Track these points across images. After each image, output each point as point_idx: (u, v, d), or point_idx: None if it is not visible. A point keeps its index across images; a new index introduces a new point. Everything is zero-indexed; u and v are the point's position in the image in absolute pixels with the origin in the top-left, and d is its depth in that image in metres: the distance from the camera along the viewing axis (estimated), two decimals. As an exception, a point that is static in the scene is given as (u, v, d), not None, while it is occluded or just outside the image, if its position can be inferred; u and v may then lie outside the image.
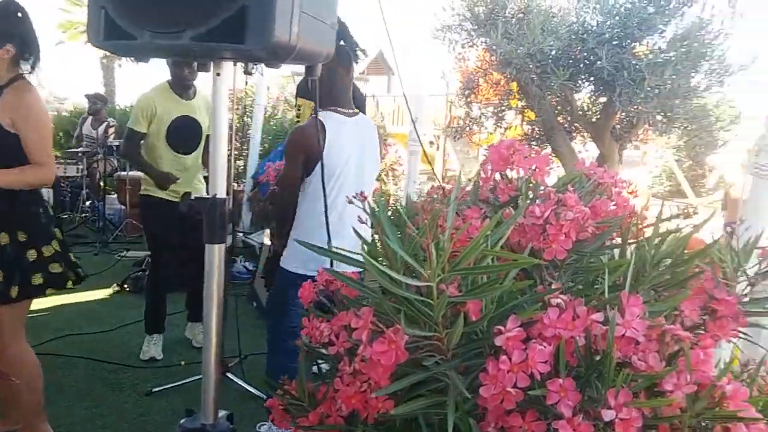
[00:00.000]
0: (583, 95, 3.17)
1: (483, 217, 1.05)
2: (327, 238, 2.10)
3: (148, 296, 3.80)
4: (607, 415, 0.75)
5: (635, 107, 2.52)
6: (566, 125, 3.21)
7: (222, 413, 1.49)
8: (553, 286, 0.95)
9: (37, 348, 2.61)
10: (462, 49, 3.13)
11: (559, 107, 3.22)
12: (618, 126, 3.02)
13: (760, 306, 1.00)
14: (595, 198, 1.17)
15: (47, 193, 7.85)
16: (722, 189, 5.16)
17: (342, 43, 2.41)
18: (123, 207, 7.34)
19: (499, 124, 3.52)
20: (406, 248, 0.89)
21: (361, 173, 2.50)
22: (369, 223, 0.97)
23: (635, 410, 0.74)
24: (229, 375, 3.36)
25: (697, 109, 2.68)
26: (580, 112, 3.18)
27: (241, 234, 6.26)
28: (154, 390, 3.27)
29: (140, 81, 3.61)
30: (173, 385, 3.31)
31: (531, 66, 2.70)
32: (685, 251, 1.04)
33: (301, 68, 1.36)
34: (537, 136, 3.38)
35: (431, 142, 11.60)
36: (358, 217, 0.87)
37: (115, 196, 7.80)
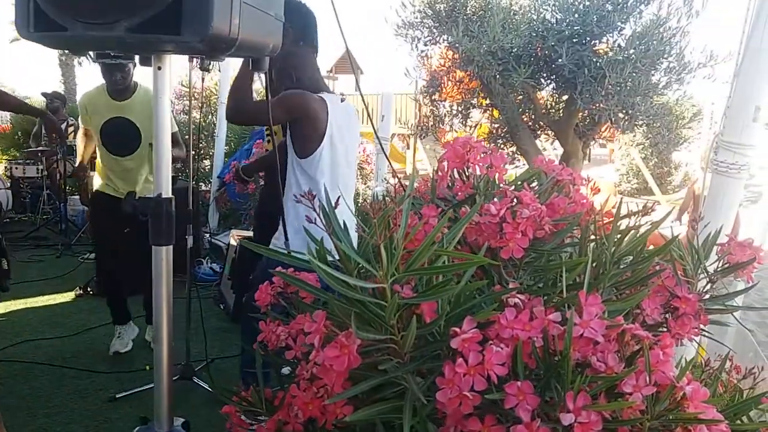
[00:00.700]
0: (546, 93, 3.18)
1: (440, 216, 1.03)
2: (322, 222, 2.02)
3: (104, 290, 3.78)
4: (566, 419, 0.73)
5: (597, 105, 2.53)
6: (530, 123, 3.22)
7: (178, 421, 1.43)
8: (510, 286, 0.93)
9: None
10: (425, 47, 3.11)
11: (522, 105, 3.23)
12: (581, 124, 3.04)
13: (720, 303, 1.00)
14: (553, 195, 1.15)
15: (5, 195, 7.63)
16: (687, 186, 5.28)
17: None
18: (85, 208, 7.14)
19: (464, 123, 3.51)
20: (359, 249, 0.86)
21: (351, 160, 2.40)
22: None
23: (594, 413, 0.72)
24: (196, 379, 3.28)
25: (659, 107, 2.71)
26: (543, 110, 3.19)
27: (207, 235, 6.15)
28: (118, 396, 3.17)
29: (101, 79, 3.50)
30: (138, 390, 3.22)
31: (493, 63, 2.69)
32: (646, 249, 1.03)
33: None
34: (502, 135, 3.38)
35: (396, 136, 11.58)
36: (306, 216, 0.83)
37: (78, 197, 7.59)
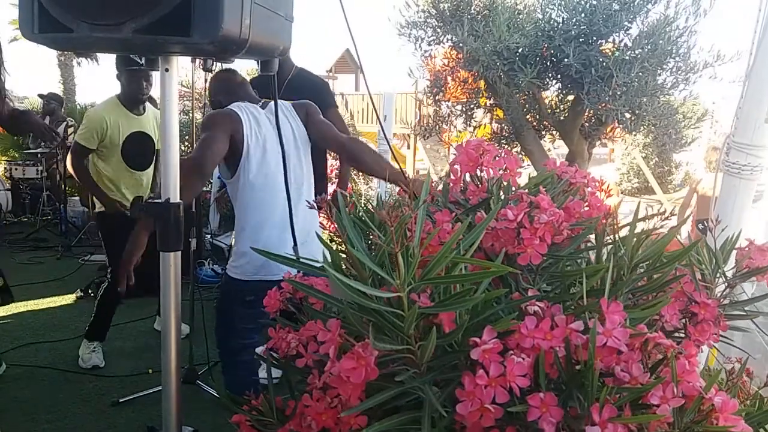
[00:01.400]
0: (551, 93, 3.16)
1: (454, 221, 1.00)
2: (286, 238, 1.99)
3: (102, 306, 3.63)
4: None
5: (603, 105, 2.51)
6: (535, 124, 3.20)
7: (186, 430, 1.41)
8: (530, 293, 0.91)
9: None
10: (428, 47, 3.09)
11: (527, 105, 3.20)
12: (587, 124, 3.02)
13: (740, 309, 0.97)
14: (568, 199, 1.13)
15: (5, 196, 7.60)
16: (688, 186, 5.26)
17: None
18: (86, 209, 7.11)
19: (468, 123, 3.49)
20: (373, 256, 0.84)
21: (296, 163, 2.24)
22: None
23: (621, 426, 0.70)
24: (200, 383, 3.26)
25: (665, 107, 2.69)
26: (549, 111, 3.17)
27: (208, 236, 6.12)
28: (121, 400, 3.15)
29: (101, 79, 3.48)
30: (141, 394, 3.19)
31: (498, 63, 2.67)
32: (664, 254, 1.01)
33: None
34: (506, 135, 3.36)
35: (400, 136, 11.57)
36: (321, 223, 0.81)
37: (78, 198, 7.55)
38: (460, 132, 3.86)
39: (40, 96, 8.02)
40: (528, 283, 0.98)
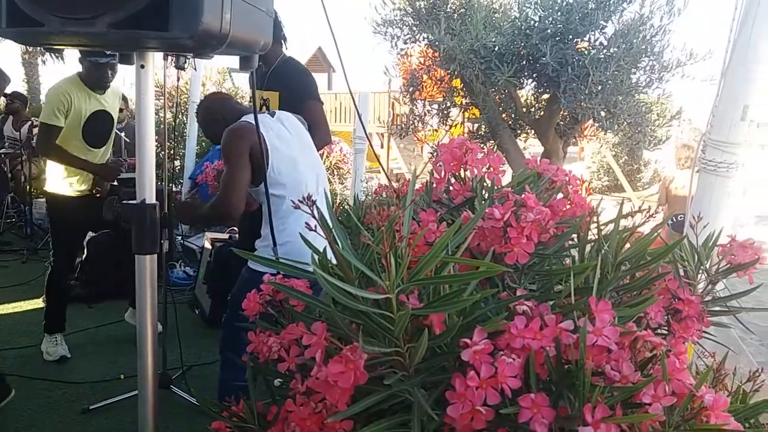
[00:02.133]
0: (526, 92, 3.18)
1: (438, 220, 0.99)
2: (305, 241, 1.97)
3: (50, 293, 3.58)
4: (585, 432, 0.70)
5: (580, 103, 2.53)
6: (510, 122, 3.21)
7: (162, 438, 1.37)
8: (518, 293, 0.90)
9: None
10: (404, 45, 3.08)
11: (503, 104, 3.21)
12: (562, 123, 3.04)
13: (722, 305, 0.98)
14: (552, 197, 1.12)
15: (-33, 198, 7.35)
16: (658, 183, 5.36)
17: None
18: (52, 212, 6.91)
19: (444, 122, 3.49)
20: (361, 257, 0.82)
21: (312, 169, 2.35)
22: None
23: (614, 426, 0.69)
24: (174, 388, 3.19)
25: (640, 105, 2.73)
26: (525, 109, 3.19)
27: (179, 237, 6.01)
28: (92, 407, 3.05)
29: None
30: (112, 400, 3.11)
31: (475, 62, 2.67)
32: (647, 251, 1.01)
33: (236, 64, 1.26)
34: (482, 134, 3.37)
35: (373, 135, 11.54)
36: (306, 223, 0.78)
37: (44, 199, 7.34)
38: (435, 130, 3.86)
39: (3, 95, 7.77)
40: (514, 282, 0.97)
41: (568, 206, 1.13)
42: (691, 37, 2.79)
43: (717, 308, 1.04)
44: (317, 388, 0.86)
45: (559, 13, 2.51)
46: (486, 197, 1.07)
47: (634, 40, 2.41)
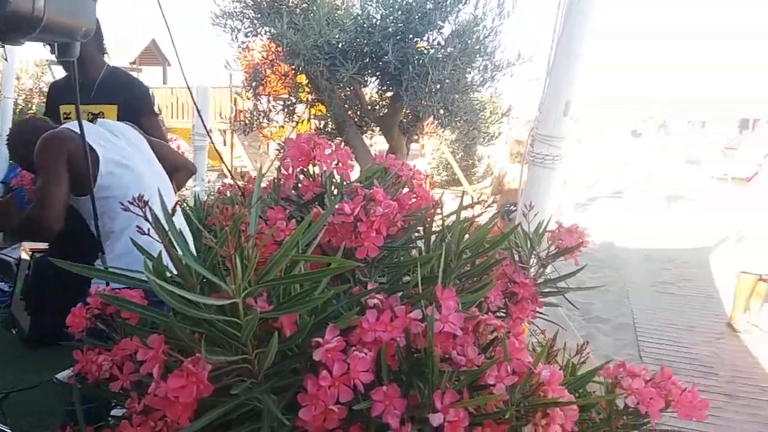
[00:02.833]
0: (371, 89, 3.23)
1: (288, 218, 0.96)
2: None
3: None
4: (436, 419, 0.72)
5: (421, 101, 2.63)
6: (356, 119, 3.25)
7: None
8: (369, 286, 0.90)
9: None
10: (246, 38, 2.96)
11: (348, 101, 3.24)
12: (405, 120, 3.14)
13: (553, 286, 1.07)
14: (398, 192, 1.15)
15: None
16: (491, 177, 5.80)
17: None
18: None
19: (290, 118, 3.43)
20: (202, 261, 0.76)
21: (153, 178, 2.13)
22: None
23: (462, 410, 0.72)
24: (-14, 419, 2.78)
25: (475, 104, 2.91)
26: (369, 107, 3.24)
27: (-8, 249, 5.27)
28: None
29: None
30: None
31: (319, 58, 2.65)
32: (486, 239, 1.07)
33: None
34: (329, 131, 3.37)
35: (216, 131, 11.08)
36: (137, 227, 0.71)
37: None
38: (281, 127, 3.79)
39: None
40: (365, 277, 0.97)
41: (414, 199, 1.15)
42: (520, 38, 3.03)
43: (548, 289, 1.13)
44: (156, 406, 0.79)
45: (399, 12, 2.58)
46: (336, 193, 1.06)
47: (469, 41, 2.55)
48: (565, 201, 9.40)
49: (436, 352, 0.78)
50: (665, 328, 4.63)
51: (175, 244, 0.76)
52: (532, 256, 1.11)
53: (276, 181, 1.04)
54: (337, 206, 0.88)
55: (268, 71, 3.17)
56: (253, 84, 3.23)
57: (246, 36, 2.89)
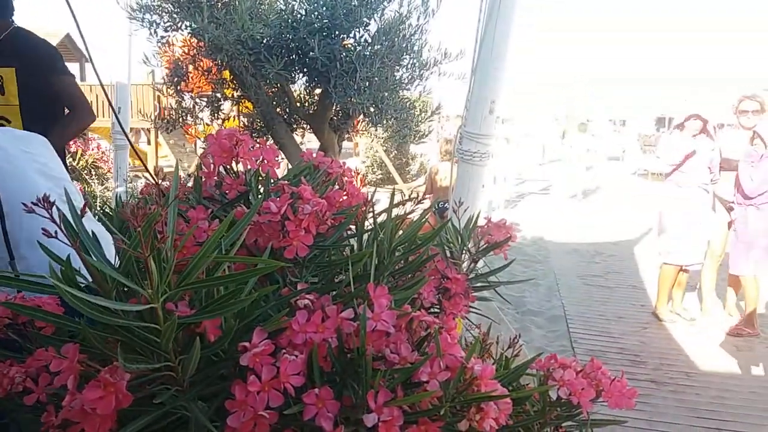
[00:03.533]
0: (299, 86, 3.18)
1: (210, 218, 0.92)
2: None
3: None
4: (370, 420, 0.70)
5: (350, 99, 2.60)
6: (285, 117, 3.19)
7: None
8: (299, 287, 0.87)
9: None
10: (165, 33, 2.84)
11: (276, 98, 3.17)
12: (335, 118, 3.11)
13: (484, 280, 1.08)
14: (328, 189, 1.12)
15: None
16: (424, 175, 5.87)
17: None
18: None
19: (215, 115, 3.33)
20: (116, 264, 0.71)
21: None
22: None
23: (396, 409, 0.71)
24: None
25: (404, 101, 2.91)
26: (298, 104, 3.19)
27: None
28: None
29: None
30: None
31: (243, 53, 2.58)
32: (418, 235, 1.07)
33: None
34: (257, 128, 3.28)
35: (138, 130, 10.66)
36: (42, 229, 0.65)
37: None
38: (207, 125, 3.67)
39: None
40: (295, 277, 0.94)
41: (344, 197, 1.14)
42: (446, 36, 3.05)
43: (480, 284, 1.14)
44: (73, 418, 0.73)
45: (324, 8, 2.55)
46: (261, 191, 1.03)
47: (396, 39, 2.55)
48: (496, 198, 9.66)
49: (369, 351, 0.76)
50: (595, 318, 4.83)
51: (88, 246, 0.71)
52: (464, 251, 1.12)
53: (197, 179, 1.00)
54: (263, 204, 0.85)
55: (191, 67, 3.06)
56: (175, 80, 3.10)
57: (165, 31, 2.77)
